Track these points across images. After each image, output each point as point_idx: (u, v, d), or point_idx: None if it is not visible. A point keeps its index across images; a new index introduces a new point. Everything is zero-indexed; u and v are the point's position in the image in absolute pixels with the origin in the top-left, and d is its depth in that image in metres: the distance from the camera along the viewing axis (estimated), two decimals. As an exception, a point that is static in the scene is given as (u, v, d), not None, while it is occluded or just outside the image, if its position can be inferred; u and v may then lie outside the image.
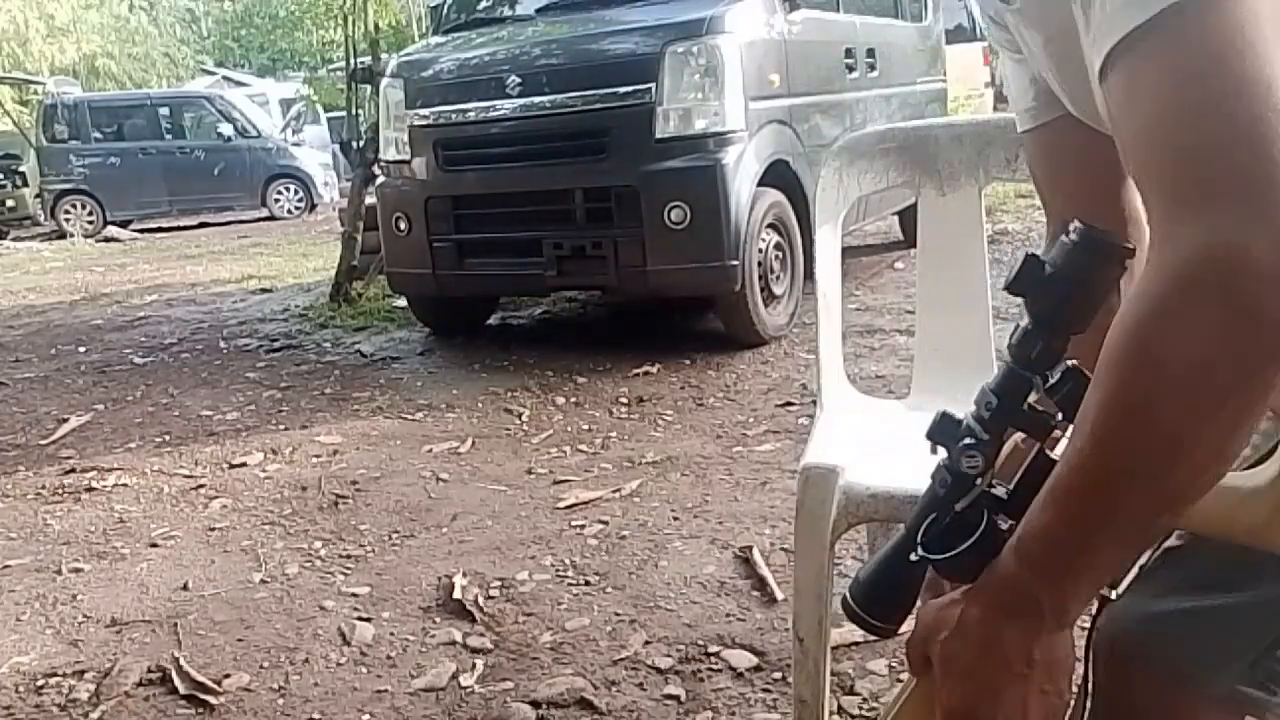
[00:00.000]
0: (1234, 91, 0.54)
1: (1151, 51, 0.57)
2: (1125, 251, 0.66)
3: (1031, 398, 0.70)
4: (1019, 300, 0.69)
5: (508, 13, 4.94)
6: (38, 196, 14.16)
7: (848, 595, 0.83)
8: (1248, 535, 0.71)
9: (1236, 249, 0.53)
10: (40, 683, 1.92)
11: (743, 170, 3.95)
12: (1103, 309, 0.66)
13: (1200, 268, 0.55)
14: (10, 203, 14.43)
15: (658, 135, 3.94)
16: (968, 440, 0.71)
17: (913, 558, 0.74)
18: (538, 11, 4.72)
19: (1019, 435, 0.72)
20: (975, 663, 0.68)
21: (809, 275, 3.76)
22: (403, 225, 4.45)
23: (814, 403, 1.90)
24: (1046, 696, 0.68)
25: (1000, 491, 0.72)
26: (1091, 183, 0.90)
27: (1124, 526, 0.62)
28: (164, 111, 14.66)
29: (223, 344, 5.16)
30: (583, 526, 2.48)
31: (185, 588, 2.30)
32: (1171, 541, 0.77)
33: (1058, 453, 0.68)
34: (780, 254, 4.28)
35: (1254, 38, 0.55)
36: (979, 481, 0.72)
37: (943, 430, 0.73)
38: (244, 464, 3.19)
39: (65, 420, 3.84)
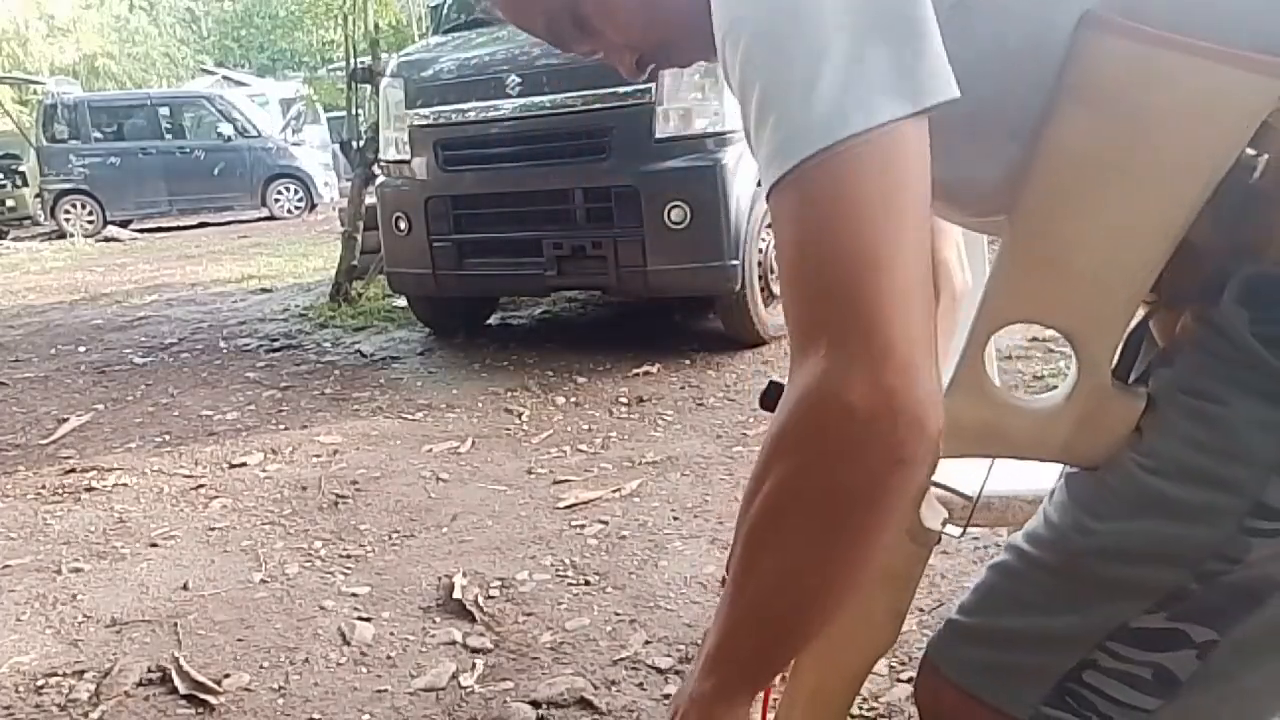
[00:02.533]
0: (838, 254, 0.60)
1: (785, 202, 0.62)
2: None
3: None
4: None
5: None
6: (38, 196, 14.17)
7: None
8: (1061, 453, 0.74)
9: (834, 393, 0.59)
10: (40, 683, 1.92)
11: (743, 170, 3.94)
12: None
13: (808, 411, 0.61)
14: (10, 203, 14.45)
15: (657, 135, 3.93)
16: None
17: None
18: None
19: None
20: None
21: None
22: (402, 225, 4.45)
23: (814, 402, 1.89)
24: None
25: None
26: None
27: (760, 661, 0.68)
28: (164, 111, 14.67)
29: (223, 344, 5.16)
30: (583, 526, 2.48)
31: (185, 588, 2.30)
32: (1005, 557, 0.80)
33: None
34: (780, 254, 4.28)
35: (863, 209, 0.60)
36: None
37: (772, 397, 0.76)
38: (244, 464, 3.19)
39: (65, 420, 3.84)
